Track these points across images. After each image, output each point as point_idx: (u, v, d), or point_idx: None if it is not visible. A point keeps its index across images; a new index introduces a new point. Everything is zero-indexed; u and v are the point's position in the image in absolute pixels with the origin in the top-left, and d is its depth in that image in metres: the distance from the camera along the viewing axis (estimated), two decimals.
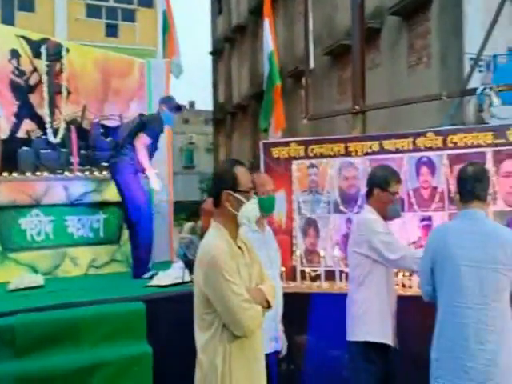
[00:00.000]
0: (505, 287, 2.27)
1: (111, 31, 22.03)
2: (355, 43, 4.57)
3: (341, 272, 3.41)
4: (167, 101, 4.30)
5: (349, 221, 3.51)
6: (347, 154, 3.61)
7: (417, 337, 2.57)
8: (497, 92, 3.94)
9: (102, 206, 4.65)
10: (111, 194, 4.57)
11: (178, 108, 4.35)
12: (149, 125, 4.12)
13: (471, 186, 2.40)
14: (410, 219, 3.40)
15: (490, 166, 3.21)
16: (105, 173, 4.62)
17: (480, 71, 7.83)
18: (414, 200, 3.43)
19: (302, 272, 3.55)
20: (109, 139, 4.85)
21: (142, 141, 4.04)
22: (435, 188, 3.40)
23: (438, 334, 2.38)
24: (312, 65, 4.80)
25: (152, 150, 4.19)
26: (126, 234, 4.55)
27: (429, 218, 3.38)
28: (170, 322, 3.03)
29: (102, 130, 4.87)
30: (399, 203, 2.84)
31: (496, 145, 3.28)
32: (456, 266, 2.32)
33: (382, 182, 2.68)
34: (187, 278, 3.44)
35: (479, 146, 3.32)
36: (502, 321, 2.25)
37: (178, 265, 3.68)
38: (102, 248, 4.59)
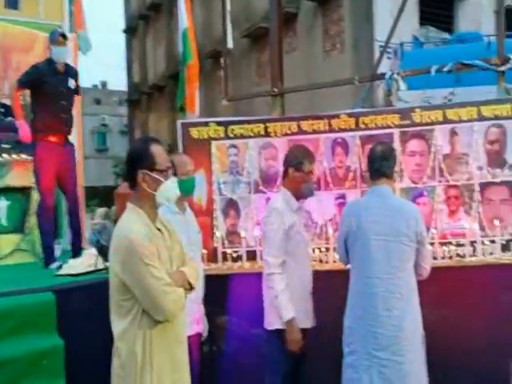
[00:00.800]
0: (409, 257, 2.47)
1: (11, 2, 19.97)
2: (273, 26, 4.57)
3: (261, 251, 3.45)
4: (50, 37, 3.92)
5: (269, 201, 3.54)
6: (267, 134, 3.64)
7: (333, 310, 2.68)
8: (403, 77, 4.19)
9: (4, 191, 4.28)
10: (14, 178, 4.20)
11: (63, 36, 3.93)
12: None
13: (379, 165, 2.55)
14: (326, 197, 3.52)
15: (397, 145, 3.41)
16: (5, 155, 4.23)
17: (388, 58, 8.28)
18: (329, 179, 3.55)
19: (224, 253, 3.54)
20: (9, 119, 4.43)
21: (13, 86, 3.75)
22: (349, 167, 3.55)
23: (350, 303, 2.53)
24: (230, 45, 4.73)
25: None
26: (31, 221, 4.22)
27: (343, 196, 3.53)
28: (84, 312, 2.88)
29: (1, 110, 4.45)
30: (313, 183, 2.91)
31: (402, 126, 3.49)
32: (366, 240, 2.47)
33: (296, 162, 2.71)
34: (101, 266, 3.27)
35: (388, 127, 3.51)
36: (407, 289, 2.45)
37: (91, 252, 3.49)
38: (4, 237, 4.24)
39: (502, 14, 3.65)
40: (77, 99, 4.25)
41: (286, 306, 2.55)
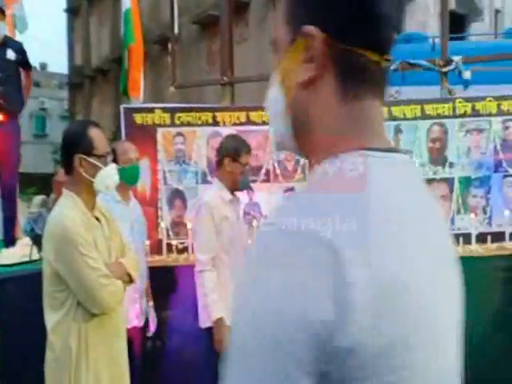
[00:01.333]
0: None
1: None
2: (223, 14, 4.48)
3: None
4: None
5: None
6: (215, 123, 3.55)
7: None
8: None
9: None
10: None
11: (0, 10, 3.68)
12: None
13: None
14: (275, 190, 3.50)
15: None
16: None
17: None
18: (278, 171, 3.54)
19: (169, 245, 3.43)
20: None
21: None
22: (298, 160, 3.55)
23: None
24: (176, 30, 4.59)
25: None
26: None
27: (292, 189, 3.53)
28: (17, 305, 2.72)
29: None
30: (249, 175, 2.83)
31: None
32: None
33: (232, 153, 2.59)
34: (35, 256, 3.09)
35: None
36: None
37: (24, 241, 3.28)
38: None
39: (445, 17, 3.78)
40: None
41: (215, 305, 2.45)
